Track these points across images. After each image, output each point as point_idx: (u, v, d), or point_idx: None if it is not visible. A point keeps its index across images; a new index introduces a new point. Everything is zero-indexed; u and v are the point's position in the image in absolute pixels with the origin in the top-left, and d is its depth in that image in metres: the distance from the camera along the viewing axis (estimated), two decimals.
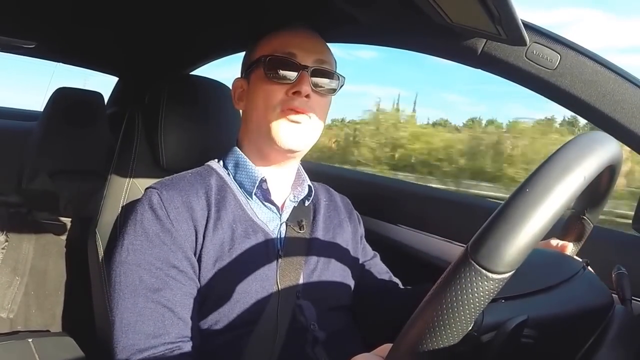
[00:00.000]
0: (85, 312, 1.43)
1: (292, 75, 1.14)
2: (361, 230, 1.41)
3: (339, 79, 1.22)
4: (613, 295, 0.87)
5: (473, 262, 0.53)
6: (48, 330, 1.61)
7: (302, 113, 1.14)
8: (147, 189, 1.15)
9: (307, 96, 1.14)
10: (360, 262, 1.36)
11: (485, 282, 0.53)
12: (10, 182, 1.92)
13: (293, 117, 1.14)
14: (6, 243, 1.66)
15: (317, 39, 1.22)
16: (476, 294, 0.53)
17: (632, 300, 0.89)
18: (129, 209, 1.31)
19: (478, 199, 1.95)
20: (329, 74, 1.20)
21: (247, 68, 1.23)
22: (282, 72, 1.14)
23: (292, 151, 1.18)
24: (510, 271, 0.54)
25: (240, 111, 1.30)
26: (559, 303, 0.79)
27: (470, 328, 0.58)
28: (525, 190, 0.55)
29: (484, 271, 0.53)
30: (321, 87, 1.18)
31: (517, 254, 0.53)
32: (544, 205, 0.54)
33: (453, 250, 1.56)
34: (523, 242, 0.53)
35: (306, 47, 1.18)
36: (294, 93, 1.13)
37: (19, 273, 1.62)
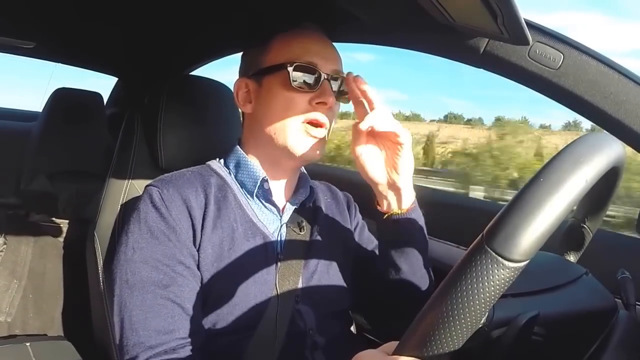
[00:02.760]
0: (84, 315, 1.43)
1: (315, 84, 1.12)
2: (358, 218, 1.39)
3: None
4: (617, 300, 0.86)
5: (489, 249, 0.53)
6: (45, 334, 1.60)
7: (324, 125, 1.14)
8: (147, 186, 1.14)
9: (330, 107, 1.13)
10: (360, 252, 1.33)
11: (501, 270, 0.53)
12: (8, 183, 1.92)
13: (315, 130, 1.13)
14: (4, 245, 1.65)
15: (332, 46, 1.21)
16: (492, 282, 0.53)
17: (636, 306, 0.88)
18: (129, 208, 1.30)
19: (483, 201, 1.94)
20: (345, 82, 1.19)
21: (259, 71, 1.19)
22: (306, 81, 1.12)
23: (310, 162, 1.19)
24: (525, 260, 0.53)
25: (242, 112, 1.27)
26: (566, 302, 0.80)
27: (483, 320, 0.57)
28: (539, 180, 0.56)
29: (500, 258, 0.53)
30: (339, 97, 1.18)
31: (533, 241, 0.53)
32: (559, 194, 0.54)
33: (459, 254, 1.55)
34: (539, 230, 0.53)
35: (325, 56, 1.16)
36: (317, 103, 1.12)
37: (17, 276, 1.61)
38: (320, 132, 1.14)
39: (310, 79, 1.12)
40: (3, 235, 1.67)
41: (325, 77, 1.13)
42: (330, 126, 1.17)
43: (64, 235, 1.87)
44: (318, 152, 1.16)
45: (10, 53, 2.22)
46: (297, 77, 1.11)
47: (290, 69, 1.11)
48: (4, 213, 1.79)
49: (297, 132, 1.13)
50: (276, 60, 1.15)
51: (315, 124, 1.13)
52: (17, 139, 2.03)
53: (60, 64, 2.47)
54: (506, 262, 0.52)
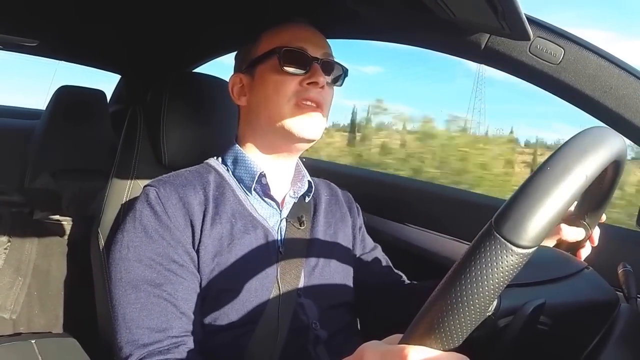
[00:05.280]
0: (88, 312, 1.43)
1: (305, 67, 1.15)
2: (360, 221, 1.40)
3: (343, 71, 1.24)
4: (618, 293, 0.87)
5: (498, 235, 0.53)
6: (50, 332, 1.61)
7: (318, 104, 1.16)
8: (145, 186, 1.15)
9: (322, 87, 1.15)
10: (360, 254, 1.35)
11: (510, 256, 0.53)
12: (12, 181, 1.92)
13: (310, 107, 1.15)
14: (9, 243, 1.66)
15: (320, 35, 1.23)
16: (500, 268, 0.53)
17: (638, 298, 0.88)
18: (128, 207, 1.32)
19: (485, 196, 1.94)
20: (336, 66, 1.22)
21: (251, 62, 1.21)
22: (296, 63, 1.15)
23: (309, 141, 1.19)
24: (533, 246, 0.54)
25: (237, 107, 1.28)
26: (569, 294, 0.80)
27: (491, 308, 0.57)
28: (547, 169, 0.56)
29: (509, 244, 0.53)
30: (331, 78, 1.21)
31: (542, 228, 0.53)
32: (565, 182, 0.55)
33: (460, 248, 1.55)
34: (547, 216, 0.53)
35: (314, 41, 1.19)
36: (309, 84, 1.14)
37: (21, 273, 1.62)
38: (316, 109, 1.16)
39: (300, 62, 1.15)
40: (7, 233, 1.68)
41: (315, 61, 1.15)
42: (327, 108, 1.20)
43: (68, 232, 1.87)
44: (316, 131, 1.17)
45: (14, 51, 2.22)
46: (287, 60, 1.14)
47: (279, 53, 1.14)
48: (7, 211, 1.79)
49: (292, 112, 1.14)
50: (266, 49, 1.18)
51: (309, 100, 1.15)
52: (21, 137, 2.04)
53: (62, 62, 2.47)
54: (515, 248, 0.53)
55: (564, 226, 0.99)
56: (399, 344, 0.59)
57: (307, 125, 1.15)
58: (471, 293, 0.53)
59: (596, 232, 1.03)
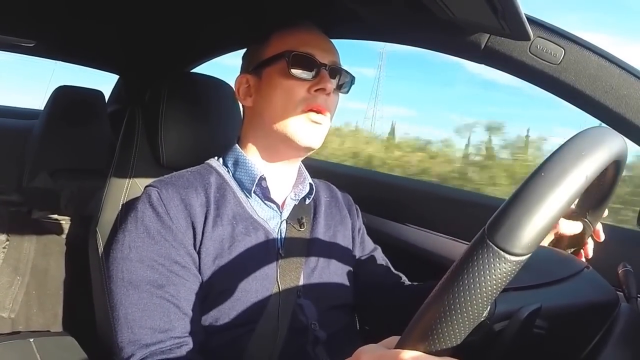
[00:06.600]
0: (87, 311, 1.43)
1: (314, 73, 1.14)
2: (359, 223, 1.40)
3: (350, 78, 1.24)
4: (618, 293, 0.87)
5: (491, 244, 0.53)
6: (49, 331, 1.60)
7: (323, 112, 1.15)
8: (146, 187, 1.15)
9: (329, 94, 1.15)
10: (359, 256, 1.35)
11: (503, 264, 0.52)
12: (10, 181, 1.92)
13: (315, 116, 1.15)
14: (7, 242, 1.65)
15: (329, 41, 1.23)
16: (494, 276, 0.52)
17: (638, 298, 0.88)
18: (129, 207, 1.31)
19: (483, 196, 1.94)
20: (344, 73, 1.22)
21: (259, 64, 1.21)
22: (305, 69, 1.14)
23: (310, 149, 1.19)
24: (527, 254, 0.53)
25: (242, 108, 1.28)
26: (567, 296, 0.79)
27: (485, 314, 0.57)
28: (541, 174, 0.55)
29: (502, 252, 0.52)
30: (338, 85, 1.21)
31: (535, 235, 0.53)
32: (560, 188, 0.54)
33: (459, 248, 1.55)
34: (541, 223, 0.53)
35: (323, 47, 1.19)
36: (316, 90, 1.14)
37: (20, 272, 1.61)
38: (320, 118, 1.15)
39: (308, 67, 1.14)
40: (6, 232, 1.67)
41: (323, 67, 1.15)
42: (332, 115, 1.19)
43: (66, 232, 1.87)
44: (319, 139, 1.17)
45: (11, 51, 2.22)
46: (296, 65, 1.13)
47: (288, 58, 1.13)
48: (6, 210, 1.79)
49: (297, 119, 1.14)
50: (275, 51, 1.17)
51: (316, 110, 1.14)
52: (19, 137, 2.03)
53: (60, 63, 2.47)
54: (508, 256, 0.52)
55: (561, 220, 0.98)
56: (395, 348, 0.60)
57: (310, 134, 1.15)
58: (464, 300, 0.53)
59: (600, 228, 1.02)
